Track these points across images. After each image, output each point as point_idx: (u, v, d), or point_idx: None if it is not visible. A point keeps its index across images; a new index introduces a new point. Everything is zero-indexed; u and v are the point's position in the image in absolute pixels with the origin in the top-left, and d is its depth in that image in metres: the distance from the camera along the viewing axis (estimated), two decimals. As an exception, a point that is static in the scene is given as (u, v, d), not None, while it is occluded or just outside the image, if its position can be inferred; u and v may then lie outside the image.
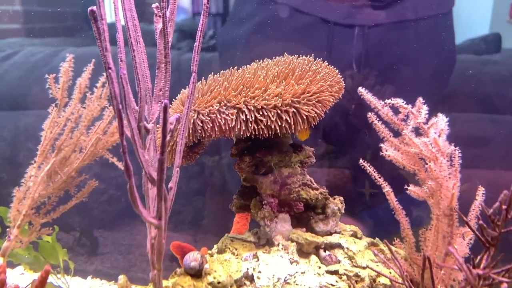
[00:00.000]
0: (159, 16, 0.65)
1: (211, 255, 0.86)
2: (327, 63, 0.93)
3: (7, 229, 0.90)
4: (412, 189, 0.77)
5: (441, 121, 0.78)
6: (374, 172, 0.78)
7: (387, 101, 0.76)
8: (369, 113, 0.77)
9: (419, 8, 1.26)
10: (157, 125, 0.67)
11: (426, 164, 0.74)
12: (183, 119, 0.63)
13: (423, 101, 0.77)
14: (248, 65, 0.97)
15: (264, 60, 0.99)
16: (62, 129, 0.92)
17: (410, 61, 1.29)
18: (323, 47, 1.24)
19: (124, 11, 0.61)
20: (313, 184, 0.90)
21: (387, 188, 0.78)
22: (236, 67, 0.96)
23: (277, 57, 0.98)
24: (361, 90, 0.77)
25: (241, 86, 0.83)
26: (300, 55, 0.96)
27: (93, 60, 0.97)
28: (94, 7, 0.58)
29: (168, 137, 0.58)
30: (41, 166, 0.91)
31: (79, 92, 0.94)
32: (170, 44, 0.63)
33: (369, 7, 1.23)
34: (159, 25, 0.65)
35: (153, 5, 0.66)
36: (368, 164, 0.79)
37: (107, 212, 1.44)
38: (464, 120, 1.42)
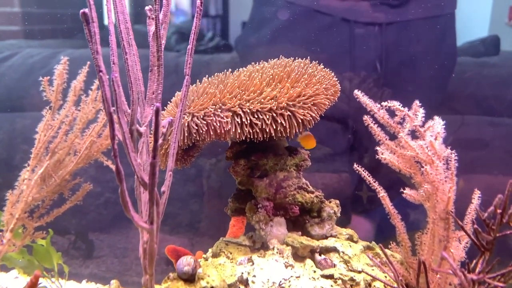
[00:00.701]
0: (152, 19, 0.64)
1: (206, 259, 0.85)
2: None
3: (0, 233, 0.89)
4: (408, 193, 0.77)
5: (438, 124, 0.78)
6: (369, 176, 0.78)
7: (384, 103, 0.76)
8: (365, 116, 0.76)
9: (431, 7, 1.28)
10: (150, 128, 0.67)
11: (422, 167, 0.74)
12: (176, 122, 0.63)
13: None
14: (244, 68, 0.97)
15: (261, 62, 0.98)
16: (56, 132, 0.92)
17: (422, 59, 1.31)
18: (345, 46, 1.25)
19: (116, 14, 0.61)
20: (309, 187, 0.90)
21: (382, 193, 0.78)
22: (230, 70, 0.96)
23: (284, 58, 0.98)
24: (357, 93, 0.76)
25: (237, 89, 0.83)
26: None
27: (88, 62, 0.97)
28: (86, 10, 0.58)
29: (160, 141, 0.57)
30: (35, 169, 0.90)
31: (73, 95, 0.94)
32: (163, 46, 0.63)
33: (386, 5, 1.24)
34: (152, 28, 0.64)
35: (146, 8, 0.66)
36: (363, 169, 0.78)
37: (103, 215, 1.44)
38: (462, 122, 1.42)
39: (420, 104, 0.76)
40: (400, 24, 1.27)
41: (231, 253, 0.84)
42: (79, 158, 0.91)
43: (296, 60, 0.94)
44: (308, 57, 0.96)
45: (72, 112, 0.93)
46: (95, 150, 0.92)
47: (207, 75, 0.93)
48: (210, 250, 0.89)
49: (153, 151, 0.54)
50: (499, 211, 0.59)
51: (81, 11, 0.58)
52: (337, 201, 0.92)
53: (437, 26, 1.32)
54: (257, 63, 0.98)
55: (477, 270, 0.63)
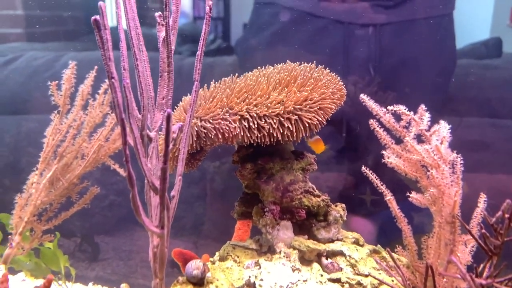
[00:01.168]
0: (162, 25, 0.65)
1: (213, 263, 0.86)
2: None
3: (9, 236, 0.90)
4: (414, 197, 0.77)
5: (443, 128, 0.78)
6: (377, 179, 0.78)
7: (390, 107, 0.77)
8: (371, 120, 0.77)
9: (427, 8, 1.29)
10: (160, 133, 0.68)
11: (428, 171, 0.74)
12: (186, 128, 0.63)
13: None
14: (250, 72, 0.98)
15: (267, 67, 0.99)
16: (64, 136, 0.93)
17: (418, 60, 1.31)
18: (340, 48, 1.26)
19: (127, 21, 0.61)
20: (315, 191, 0.90)
21: (389, 196, 0.78)
22: (237, 75, 0.96)
23: (290, 62, 0.98)
24: (363, 97, 0.77)
25: (244, 94, 0.83)
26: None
27: (96, 67, 0.98)
28: (97, 16, 0.58)
29: (170, 146, 0.58)
30: (43, 172, 0.91)
31: (81, 99, 0.95)
32: (173, 52, 0.64)
33: (380, 7, 1.25)
34: (162, 34, 0.65)
35: (156, 14, 0.66)
36: (371, 171, 0.79)
37: (108, 217, 1.44)
38: (465, 124, 1.42)
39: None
40: (395, 25, 1.28)
41: (238, 257, 0.85)
42: (87, 162, 0.92)
43: (302, 65, 0.95)
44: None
45: (80, 116, 0.94)
46: (102, 154, 0.93)
47: (212, 78, 0.94)
48: (217, 253, 0.89)
49: (164, 157, 0.55)
50: (507, 215, 0.59)
51: (93, 18, 0.58)
52: (343, 205, 0.93)
53: (433, 27, 1.33)
54: (263, 67, 0.99)
55: (484, 274, 0.64)
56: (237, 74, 0.95)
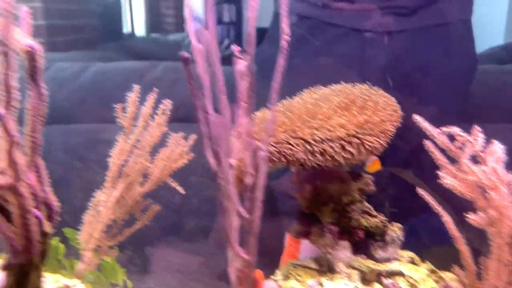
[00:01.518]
0: (239, 58, 0.69)
1: (276, 281, 0.88)
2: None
3: (81, 252, 0.94)
4: (471, 217, 0.79)
5: (498, 148, 0.79)
6: (432, 200, 0.80)
7: (444, 129, 0.78)
8: (426, 141, 0.79)
9: (444, 15, 1.29)
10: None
11: (485, 192, 0.76)
12: (264, 154, 0.67)
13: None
14: (304, 94, 1.01)
15: (318, 87, 1.02)
16: (128, 155, 0.97)
17: (436, 67, 1.31)
18: (355, 56, 1.27)
19: (212, 51, 0.65)
20: (372, 211, 0.93)
21: (446, 217, 0.80)
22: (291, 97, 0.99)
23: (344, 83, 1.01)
24: (417, 117, 0.79)
25: (305, 117, 0.86)
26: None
27: (156, 89, 1.02)
28: (186, 53, 0.62)
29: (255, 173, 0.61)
30: (110, 191, 0.95)
31: (143, 120, 0.99)
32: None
33: (396, 14, 1.26)
34: (238, 67, 0.68)
35: (233, 47, 0.70)
36: (426, 193, 0.80)
37: (155, 230, 1.48)
38: (488, 130, 1.42)
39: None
40: (411, 33, 1.28)
41: (299, 276, 0.87)
42: (152, 181, 0.96)
43: (357, 86, 0.97)
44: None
45: (143, 137, 0.98)
46: (165, 173, 0.97)
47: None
48: (278, 272, 0.92)
49: (253, 187, 0.58)
50: None
51: (181, 53, 0.62)
52: (400, 225, 0.95)
53: (451, 34, 1.32)
54: (314, 88, 1.02)
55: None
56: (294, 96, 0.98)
